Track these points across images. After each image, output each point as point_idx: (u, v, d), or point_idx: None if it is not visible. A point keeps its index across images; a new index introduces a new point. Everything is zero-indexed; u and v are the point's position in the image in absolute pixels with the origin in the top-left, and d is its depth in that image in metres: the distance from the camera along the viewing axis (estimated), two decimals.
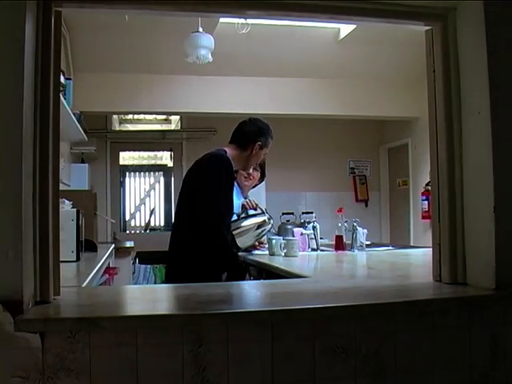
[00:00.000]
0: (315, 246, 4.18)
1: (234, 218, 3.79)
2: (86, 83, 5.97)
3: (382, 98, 6.84)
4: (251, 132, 3.35)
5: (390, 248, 4.52)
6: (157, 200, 8.07)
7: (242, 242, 3.70)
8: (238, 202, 3.92)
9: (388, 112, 6.97)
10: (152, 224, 8.05)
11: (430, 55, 2.21)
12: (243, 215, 3.81)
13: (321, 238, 4.34)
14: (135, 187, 8.08)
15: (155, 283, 6.30)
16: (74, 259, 3.47)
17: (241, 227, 3.71)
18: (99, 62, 5.97)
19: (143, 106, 6.43)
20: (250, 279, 3.65)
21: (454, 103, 2.13)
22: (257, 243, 4.00)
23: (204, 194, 3.03)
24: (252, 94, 6.59)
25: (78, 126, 4.85)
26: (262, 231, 3.81)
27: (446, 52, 2.15)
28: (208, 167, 3.13)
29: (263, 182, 5.88)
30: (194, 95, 6.44)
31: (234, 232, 3.66)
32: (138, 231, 8.01)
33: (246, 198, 4.08)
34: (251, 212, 3.86)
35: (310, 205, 7.87)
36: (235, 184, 4.11)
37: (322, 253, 4.10)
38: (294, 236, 4.08)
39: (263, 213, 3.84)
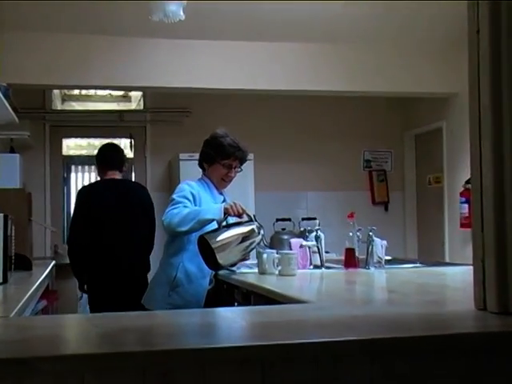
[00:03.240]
0: (319, 262, 4.19)
1: (214, 226, 3.78)
2: (16, 46, 5.93)
3: (407, 68, 6.85)
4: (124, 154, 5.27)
5: (418, 265, 4.56)
6: None
7: (223, 257, 3.68)
8: (217, 206, 3.89)
9: (415, 87, 6.98)
10: None
11: (473, 10, 2.20)
12: (224, 223, 3.80)
13: (326, 252, 4.37)
14: (84, 185, 8.04)
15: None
16: (0, 281, 3.46)
17: (221, 240, 3.69)
18: (35, 17, 5.91)
19: (94, 78, 6.40)
20: (234, 305, 3.64)
21: (504, 74, 2.12)
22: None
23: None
24: (236, 63, 6.58)
25: (6, 102, 4.81)
26: (251, 244, 3.80)
27: (496, 6, 2.14)
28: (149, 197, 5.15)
29: (251, 180, 5.93)
30: (162, 65, 6.41)
31: (214, 245, 3.64)
32: None
33: (224, 201, 4.08)
34: (232, 220, 3.86)
35: (312, 208, 7.88)
36: (205, 181, 4.10)
37: (327, 271, 4.12)
38: (291, 249, 4.11)
39: (251, 220, 3.84)
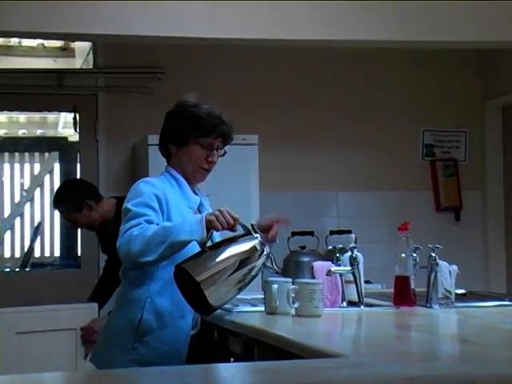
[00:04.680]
0: (356, 297, 4.21)
1: (196, 248, 3.77)
2: None
3: (487, 8, 6.84)
4: None
5: (507, 303, 4.54)
6: (47, 207, 8.05)
7: (215, 296, 3.67)
8: (195, 219, 3.87)
9: (502, 35, 6.96)
10: (37, 254, 8.04)
11: None
12: (210, 243, 3.79)
13: (367, 282, 4.38)
14: (3, 182, 8.07)
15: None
16: None
17: (210, 268, 3.69)
18: None
19: (17, 21, 6.39)
20: (230, 360, 3.64)
21: None
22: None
23: None
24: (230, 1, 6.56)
25: None
26: (250, 270, 3.80)
27: None
28: None
29: (255, 174, 6.01)
30: (120, 3, 6.41)
31: (200, 278, 3.63)
32: (7, 269, 7.99)
33: (201, 205, 4.13)
34: (216, 238, 3.88)
35: (345, 217, 7.92)
36: (172, 175, 4.12)
37: (368, 310, 4.15)
38: (314, 277, 4.12)
39: (249, 233, 3.85)
